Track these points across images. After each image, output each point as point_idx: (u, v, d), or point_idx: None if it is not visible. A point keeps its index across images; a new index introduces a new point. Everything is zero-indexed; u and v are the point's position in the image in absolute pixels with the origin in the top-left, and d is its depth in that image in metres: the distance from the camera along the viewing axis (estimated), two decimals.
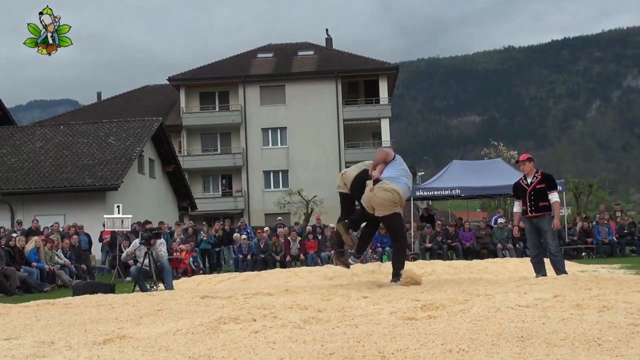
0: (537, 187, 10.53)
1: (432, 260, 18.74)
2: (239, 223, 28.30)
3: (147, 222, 22.66)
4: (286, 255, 22.46)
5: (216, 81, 51.36)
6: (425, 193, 25.38)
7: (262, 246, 22.72)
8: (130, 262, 15.03)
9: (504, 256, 21.06)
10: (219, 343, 4.11)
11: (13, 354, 3.75)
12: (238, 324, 4.96)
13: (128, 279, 17.50)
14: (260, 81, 50.80)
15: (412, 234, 24.05)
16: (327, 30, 60.26)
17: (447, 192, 24.97)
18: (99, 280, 17.01)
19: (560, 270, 10.40)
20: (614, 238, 23.41)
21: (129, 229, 20.94)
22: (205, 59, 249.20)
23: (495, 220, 25.13)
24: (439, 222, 25.28)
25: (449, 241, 23.24)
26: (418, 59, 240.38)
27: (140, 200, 28.91)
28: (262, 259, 22.25)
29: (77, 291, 11.48)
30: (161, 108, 51.15)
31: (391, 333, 4.28)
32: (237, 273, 16.79)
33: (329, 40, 59.36)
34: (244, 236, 23.41)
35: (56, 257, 18.21)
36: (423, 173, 66.21)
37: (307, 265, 20.60)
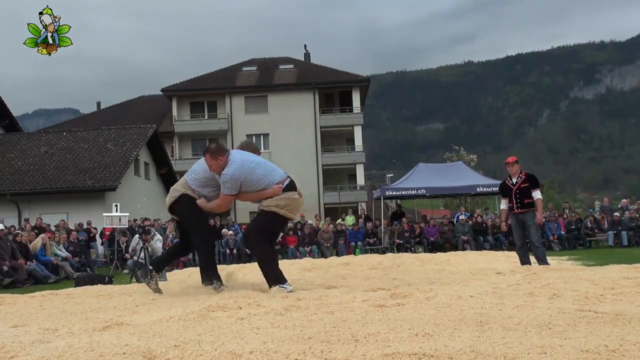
0: (522, 186, 10.74)
1: (400, 253, 18.79)
2: (227, 220, 28.23)
3: (146, 219, 22.58)
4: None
5: (205, 92, 51.24)
6: (394, 193, 25.48)
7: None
8: (127, 255, 14.95)
9: (465, 249, 21.19)
10: (208, 329, 4.10)
11: (20, 340, 3.72)
12: (225, 311, 4.95)
13: (125, 271, 17.39)
14: (245, 92, 50.74)
15: (383, 230, 24.12)
16: (305, 46, 60.30)
17: (413, 192, 25.07)
18: (98, 272, 16.88)
19: (542, 260, 10.56)
20: (562, 233, 23.60)
21: (126, 226, 20.84)
22: (194, 72, 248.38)
23: (457, 217, 25.26)
24: (405, 219, 25.36)
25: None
26: (387, 72, 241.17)
27: (136, 200, 28.73)
28: (247, 252, 22.19)
29: (79, 282, 11.39)
30: (155, 116, 50.94)
31: (363, 319, 4.29)
32: (224, 265, 16.73)
33: (307, 55, 59.44)
34: (231, 232, 23.35)
35: (58, 251, 18.06)
36: (392, 175, 66.31)
37: (287, 258, 20.60)
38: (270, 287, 6.71)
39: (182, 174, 36.66)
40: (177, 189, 7.16)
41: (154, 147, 34.05)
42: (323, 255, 21.33)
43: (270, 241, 7.15)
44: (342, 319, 4.30)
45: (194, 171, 7.14)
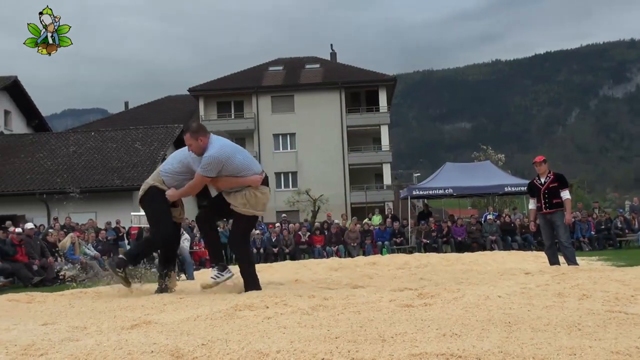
0: (551, 186, 10.62)
1: (427, 253, 18.72)
2: None
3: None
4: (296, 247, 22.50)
5: (232, 91, 51.45)
6: (421, 192, 25.40)
7: (273, 240, 22.73)
8: (155, 254, 15.00)
9: (493, 249, 21.05)
10: (235, 328, 4.11)
11: (49, 337, 3.76)
12: (252, 310, 4.96)
13: (153, 270, 17.50)
14: (272, 91, 50.88)
15: (410, 230, 24.05)
16: (331, 45, 60.36)
17: (440, 192, 24.98)
18: (128, 271, 16.99)
19: (571, 261, 10.45)
20: (592, 233, 23.36)
21: None
22: (221, 72, 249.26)
23: (485, 217, 25.11)
24: (432, 218, 25.28)
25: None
26: (414, 71, 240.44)
27: None
28: (274, 252, 22.26)
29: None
30: (182, 116, 51.22)
31: (390, 319, 4.27)
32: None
33: (333, 54, 59.46)
34: (257, 231, 23.42)
35: (87, 250, 18.24)
36: (419, 174, 66.14)
37: (314, 257, 20.61)
38: (246, 290, 6.75)
39: None
40: (147, 182, 7.11)
41: (181, 147, 34.24)
42: (350, 254, 21.31)
43: (250, 245, 7.78)
44: (369, 319, 4.29)
45: (168, 162, 7.08)
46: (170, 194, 6.97)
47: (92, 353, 3.33)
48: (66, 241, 17.65)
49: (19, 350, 3.48)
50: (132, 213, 20.90)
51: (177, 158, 7.03)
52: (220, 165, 6.61)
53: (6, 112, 33.49)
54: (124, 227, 23.19)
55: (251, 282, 6.85)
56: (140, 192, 7.14)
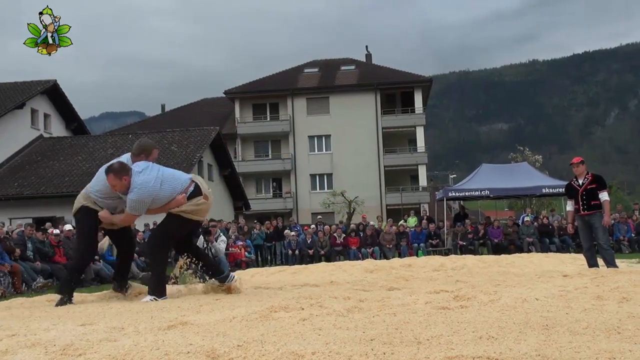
0: (589, 187, 10.51)
1: (463, 255, 18.59)
2: (290, 221, 28.46)
3: (212, 220, 22.81)
4: (331, 249, 22.52)
5: (267, 94, 51.66)
6: (457, 194, 25.25)
7: (309, 242, 22.77)
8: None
9: (530, 251, 20.83)
10: (271, 329, 4.12)
11: (88, 338, 3.81)
12: (288, 312, 4.97)
13: (189, 271, 17.63)
14: (307, 93, 50.98)
15: (445, 231, 23.92)
16: (366, 47, 60.35)
17: (477, 193, 24.80)
18: None
19: (610, 263, 10.32)
20: (632, 235, 22.98)
21: None
22: (257, 74, 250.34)
23: (522, 219, 24.86)
24: (468, 220, 25.09)
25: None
26: (450, 72, 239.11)
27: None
28: (309, 253, 22.30)
29: (145, 282, 11.59)
30: (218, 118, 51.56)
31: (426, 321, 4.26)
32: (286, 266, 16.83)
33: (368, 55, 59.44)
34: (293, 233, 23.48)
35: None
36: (455, 175, 65.81)
37: (349, 259, 20.60)
38: (147, 294, 6.76)
39: (244, 175, 36.97)
40: (79, 200, 7.08)
41: (217, 149, 34.47)
42: (385, 256, 21.26)
43: (168, 248, 7.38)
44: (404, 321, 4.27)
45: (100, 183, 6.92)
46: (104, 215, 6.93)
47: (129, 353, 3.37)
48: (104, 242, 17.86)
49: (58, 350, 3.53)
50: None
51: (104, 179, 6.87)
52: (146, 205, 6.61)
53: (46, 116, 34.01)
54: None
55: (153, 287, 6.79)
56: (73, 209, 7.15)
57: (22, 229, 16.77)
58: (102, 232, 7.95)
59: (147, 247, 7.10)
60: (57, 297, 7.00)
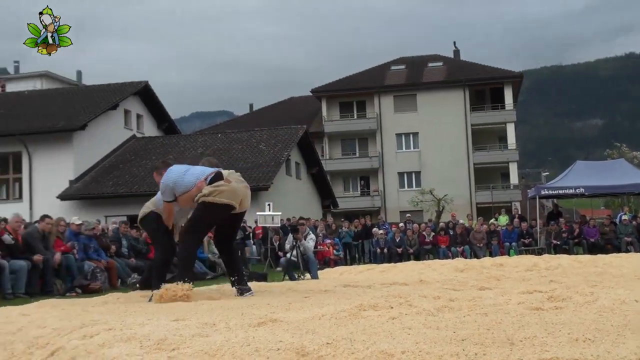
0: None
1: (557, 255, 18.13)
2: (378, 219, 28.44)
3: (301, 218, 23.02)
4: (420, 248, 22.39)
5: (354, 92, 51.78)
6: (551, 192, 24.63)
7: (397, 240, 22.69)
8: (280, 253, 15.36)
9: (628, 251, 20.16)
10: (360, 327, 4.11)
11: (180, 333, 3.89)
12: (377, 310, 4.96)
13: (278, 269, 17.85)
14: (394, 91, 50.84)
15: (538, 230, 23.40)
16: (454, 42, 59.69)
17: (571, 191, 24.11)
18: (253, 269, 17.42)
19: None
20: None
21: (279, 225, 21.40)
22: (343, 72, 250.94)
23: (620, 217, 24.08)
24: (562, 219, 24.47)
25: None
26: (541, 66, 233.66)
27: (288, 199, 29.41)
28: (397, 251, 22.22)
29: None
30: (305, 117, 51.97)
31: (519, 322, 4.17)
32: (375, 265, 16.80)
33: (456, 52, 58.78)
34: (381, 231, 23.44)
35: (215, 249, 18.79)
36: (548, 173, 64.23)
37: (439, 258, 20.43)
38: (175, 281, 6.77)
39: (332, 173, 37.22)
40: (147, 206, 7.65)
41: (305, 147, 34.71)
42: (476, 255, 21.01)
43: (200, 237, 7.69)
44: (496, 321, 4.20)
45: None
46: (164, 218, 7.47)
47: (221, 349, 3.43)
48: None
49: (152, 344, 3.63)
50: (258, 213, 21.39)
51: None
52: (170, 189, 7.10)
53: (138, 116, 35.03)
54: (250, 227, 23.75)
55: (181, 277, 6.80)
56: (140, 215, 7.68)
57: (117, 226, 17.33)
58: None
59: (180, 237, 7.43)
60: (149, 293, 7.20)
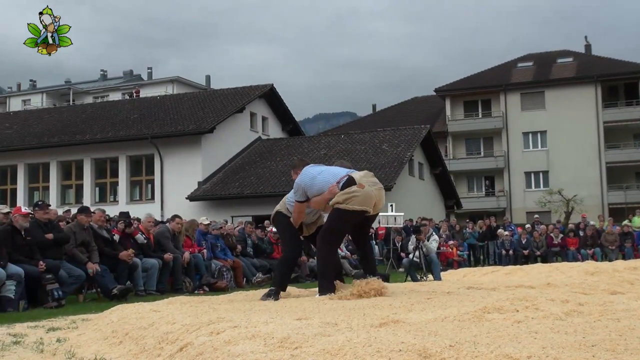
0: None
1: None
2: (503, 220, 27.87)
3: (424, 219, 22.88)
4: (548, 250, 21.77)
5: (479, 90, 51.00)
6: None
7: (523, 242, 22.16)
8: (402, 254, 15.31)
9: None
10: (484, 330, 4.04)
11: (303, 332, 3.94)
12: (501, 313, 4.86)
13: (401, 269, 17.80)
14: (521, 88, 49.69)
15: None
16: (585, 37, 57.68)
17: None
18: None
19: None
20: None
21: (401, 225, 21.34)
22: (467, 71, 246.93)
23: None
24: None
25: None
26: None
27: (410, 200, 29.27)
28: (524, 253, 21.69)
29: (357, 279, 11.84)
30: (429, 116, 51.61)
31: None
32: (500, 267, 16.47)
33: (587, 46, 56.72)
34: (507, 232, 22.95)
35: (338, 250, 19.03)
36: None
37: (567, 261, 19.80)
38: (318, 293, 6.99)
39: (456, 173, 36.84)
40: (277, 208, 7.80)
41: (428, 147, 34.43)
42: (607, 258, 20.24)
43: (336, 246, 7.64)
44: (629, 327, 4.02)
45: (291, 194, 7.55)
46: (293, 217, 7.56)
47: (342, 349, 3.46)
48: None
49: (276, 342, 3.71)
50: (380, 213, 21.39)
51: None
52: (303, 189, 7.18)
53: (264, 118, 35.84)
54: (372, 227, 23.79)
55: (324, 287, 7.01)
56: (273, 212, 7.89)
57: (243, 226, 17.79)
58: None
59: (317, 245, 7.41)
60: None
